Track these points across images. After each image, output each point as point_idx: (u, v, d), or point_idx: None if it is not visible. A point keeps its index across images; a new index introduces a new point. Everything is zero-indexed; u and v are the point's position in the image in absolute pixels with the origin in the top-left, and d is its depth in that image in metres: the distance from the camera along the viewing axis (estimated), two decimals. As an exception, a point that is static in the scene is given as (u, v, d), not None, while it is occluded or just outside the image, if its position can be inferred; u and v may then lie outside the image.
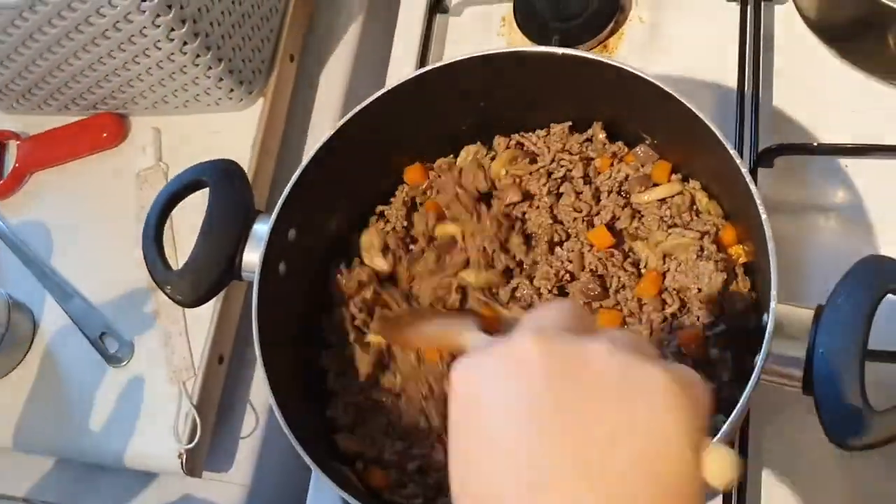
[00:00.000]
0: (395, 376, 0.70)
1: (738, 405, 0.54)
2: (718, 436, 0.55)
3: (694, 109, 0.63)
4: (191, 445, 0.83)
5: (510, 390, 0.37)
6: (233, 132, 0.94)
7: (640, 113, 0.70)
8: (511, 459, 0.36)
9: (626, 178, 0.72)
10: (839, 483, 0.70)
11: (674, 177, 0.71)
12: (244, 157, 0.90)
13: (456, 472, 0.38)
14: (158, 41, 0.83)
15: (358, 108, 0.69)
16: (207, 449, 0.87)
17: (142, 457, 0.87)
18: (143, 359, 0.89)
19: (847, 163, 0.79)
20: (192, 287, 0.67)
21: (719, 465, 0.37)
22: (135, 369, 0.89)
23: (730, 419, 0.54)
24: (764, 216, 0.57)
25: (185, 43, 0.84)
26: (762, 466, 0.71)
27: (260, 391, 0.91)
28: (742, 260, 0.67)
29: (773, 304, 0.55)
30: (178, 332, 0.89)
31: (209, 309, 0.88)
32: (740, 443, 0.70)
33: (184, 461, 0.83)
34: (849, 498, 0.69)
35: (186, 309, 0.89)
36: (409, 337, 0.65)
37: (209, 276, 0.67)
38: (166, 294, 0.67)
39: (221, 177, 0.69)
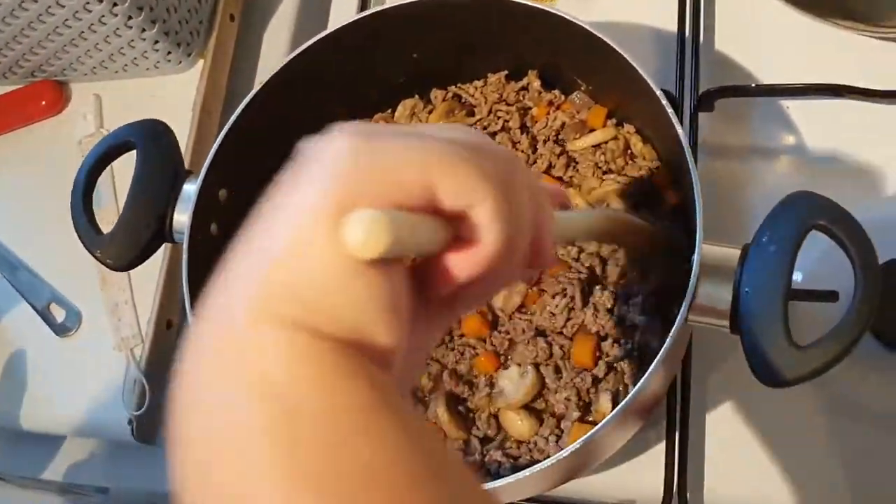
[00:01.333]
0: None
1: (666, 343, 0.54)
2: (648, 373, 0.55)
3: (623, 53, 0.62)
4: (140, 412, 0.82)
5: None
6: (174, 95, 0.93)
7: (574, 59, 0.70)
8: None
9: (563, 125, 0.71)
10: (779, 421, 0.70)
11: (609, 122, 0.71)
12: (185, 120, 0.89)
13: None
14: (88, 3, 0.81)
15: (287, 58, 0.68)
16: (161, 416, 0.87)
17: (93, 426, 0.86)
18: (91, 328, 0.89)
19: (789, 104, 0.79)
20: (122, 250, 0.66)
21: (356, 229, 0.31)
22: (83, 338, 0.89)
23: (658, 357, 0.54)
24: (688, 152, 0.57)
25: (114, 4, 0.82)
26: (706, 411, 0.72)
27: (212, 356, 0.90)
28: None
29: (698, 244, 0.55)
30: (124, 300, 0.88)
31: (155, 274, 0.87)
32: (682, 391, 0.70)
33: (134, 428, 0.83)
34: (791, 435, 0.70)
35: (132, 276, 0.89)
36: None
37: (139, 238, 0.66)
38: (96, 258, 0.66)
39: (149, 137, 0.67)
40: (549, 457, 0.55)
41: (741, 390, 0.72)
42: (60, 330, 0.89)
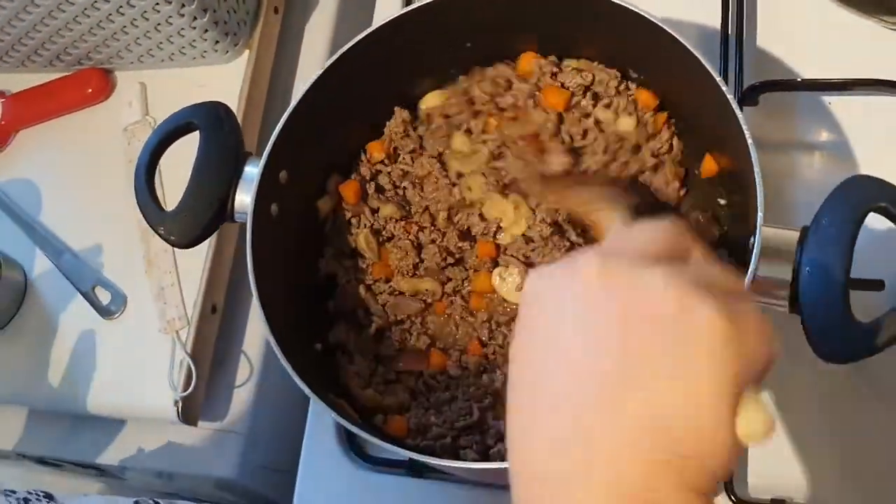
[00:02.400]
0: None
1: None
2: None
3: (680, 39, 0.63)
4: (186, 393, 0.84)
5: (567, 299, 0.38)
6: (219, 85, 0.94)
7: (629, 47, 0.71)
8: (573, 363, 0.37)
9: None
10: (816, 404, 0.71)
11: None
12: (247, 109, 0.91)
13: (520, 371, 0.39)
14: (143, -9, 0.83)
15: (343, 48, 0.70)
16: (203, 398, 0.88)
17: (138, 407, 0.87)
18: (136, 310, 0.90)
19: (831, 100, 0.80)
20: (186, 228, 0.67)
21: (752, 421, 0.35)
22: (128, 321, 0.90)
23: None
24: (749, 140, 0.58)
25: (169, -8, 0.84)
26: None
27: (254, 341, 0.91)
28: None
29: (759, 226, 0.56)
30: (170, 283, 0.89)
31: (201, 259, 0.88)
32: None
33: (179, 409, 0.84)
34: (839, 418, 0.71)
35: (178, 260, 0.90)
36: (565, 195, 0.67)
37: (202, 217, 0.67)
38: (160, 235, 0.67)
39: (212, 119, 0.69)
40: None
41: (786, 371, 0.72)
42: (105, 313, 0.90)
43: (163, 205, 0.69)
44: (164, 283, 0.89)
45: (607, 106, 0.73)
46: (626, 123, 0.72)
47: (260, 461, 0.92)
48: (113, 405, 0.88)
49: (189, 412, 0.86)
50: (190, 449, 0.90)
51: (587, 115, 0.72)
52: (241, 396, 0.92)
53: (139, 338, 0.89)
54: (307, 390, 0.60)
